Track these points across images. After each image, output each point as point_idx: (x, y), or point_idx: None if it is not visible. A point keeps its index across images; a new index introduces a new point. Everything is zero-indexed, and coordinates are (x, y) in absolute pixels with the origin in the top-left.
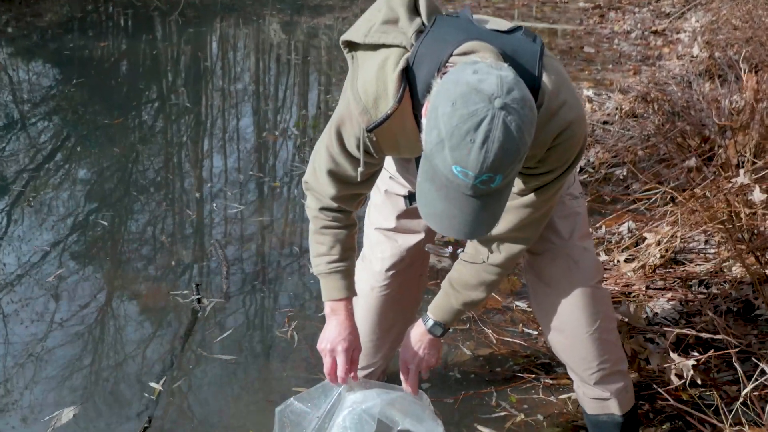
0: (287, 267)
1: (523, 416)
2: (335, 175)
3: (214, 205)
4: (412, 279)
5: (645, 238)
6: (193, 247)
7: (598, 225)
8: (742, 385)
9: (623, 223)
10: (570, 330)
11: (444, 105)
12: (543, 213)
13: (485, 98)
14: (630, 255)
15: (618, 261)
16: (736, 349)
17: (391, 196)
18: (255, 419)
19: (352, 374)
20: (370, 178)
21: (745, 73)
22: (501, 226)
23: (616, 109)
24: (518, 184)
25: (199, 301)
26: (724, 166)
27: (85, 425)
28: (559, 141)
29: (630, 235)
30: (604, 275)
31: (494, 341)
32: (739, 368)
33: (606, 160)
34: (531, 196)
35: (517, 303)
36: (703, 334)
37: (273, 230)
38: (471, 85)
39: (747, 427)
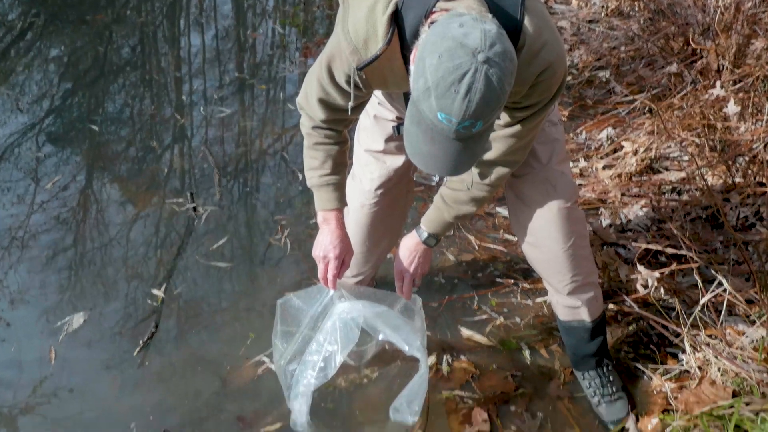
0: (277, 173)
1: (502, 319)
2: (325, 103)
3: (201, 108)
4: (400, 196)
5: (623, 146)
6: (184, 153)
7: (578, 130)
8: (701, 294)
9: (603, 129)
10: (546, 247)
11: (431, 57)
12: (528, 139)
13: (469, 52)
14: (608, 163)
15: (596, 168)
16: (697, 264)
17: (380, 121)
18: (253, 324)
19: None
20: (358, 107)
21: None
22: (491, 153)
23: (602, 7)
24: (504, 117)
25: (194, 209)
26: (704, 72)
27: (95, 331)
28: (541, 79)
29: (609, 142)
30: (582, 182)
31: (476, 247)
32: (699, 282)
33: (589, 63)
34: (517, 127)
35: (498, 209)
36: (669, 250)
37: (261, 135)
38: (456, 39)
39: (703, 330)
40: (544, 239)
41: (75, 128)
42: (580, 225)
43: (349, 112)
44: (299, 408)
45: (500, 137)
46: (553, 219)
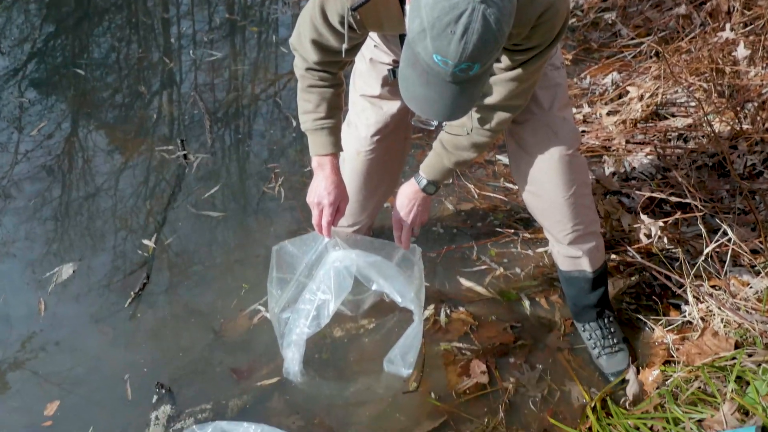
0: (270, 119)
1: (502, 269)
2: (318, 44)
3: (191, 52)
4: (397, 143)
5: (628, 92)
6: (173, 99)
7: (582, 74)
8: (705, 244)
9: (608, 74)
10: (547, 195)
11: None
12: (530, 84)
13: None
14: (612, 108)
15: (600, 114)
16: (702, 213)
17: (376, 65)
18: (246, 274)
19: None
20: (353, 49)
21: None
22: (492, 98)
23: None
24: (505, 60)
25: (185, 157)
26: (714, 14)
27: (85, 283)
28: (543, 20)
29: (614, 87)
30: (586, 128)
31: (476, 196)
32: (703, 231)
33: (595, 4)
34: (518, 71)
35: (498, 157)
36: (673, 198)
37: (253, 79)
38: None
39: (707, 281)
40: (545, 187)
41: (59, 73)
42: (582, 173)
43: (343, 54)
44: (292, 356)
45: (501, 81)
46: (554, 166)
